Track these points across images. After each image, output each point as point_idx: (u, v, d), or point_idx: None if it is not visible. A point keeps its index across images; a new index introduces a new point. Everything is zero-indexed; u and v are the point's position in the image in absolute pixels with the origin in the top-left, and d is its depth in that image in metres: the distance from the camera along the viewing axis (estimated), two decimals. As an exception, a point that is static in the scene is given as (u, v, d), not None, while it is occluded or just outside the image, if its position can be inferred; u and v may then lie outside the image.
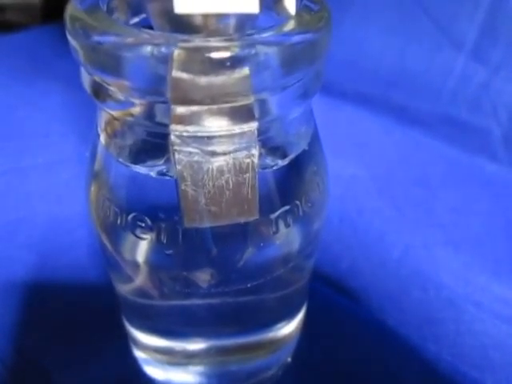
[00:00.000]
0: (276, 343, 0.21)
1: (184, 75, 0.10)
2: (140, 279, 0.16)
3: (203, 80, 0.10)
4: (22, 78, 0.43)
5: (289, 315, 0.21)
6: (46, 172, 0.34)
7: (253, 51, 0.10)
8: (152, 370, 0.22)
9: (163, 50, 0.10)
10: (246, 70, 0.10)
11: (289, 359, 0.24)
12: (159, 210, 0.14)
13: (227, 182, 0.12)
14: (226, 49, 0.10)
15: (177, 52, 0.10)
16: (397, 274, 0.29)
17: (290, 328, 0.21)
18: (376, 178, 0.36)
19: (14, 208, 0.31)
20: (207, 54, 0.10)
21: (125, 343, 0.22)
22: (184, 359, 0.21)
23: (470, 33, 0.37)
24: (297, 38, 0.11)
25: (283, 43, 0.11)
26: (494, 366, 0.25)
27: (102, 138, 0.14)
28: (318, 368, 0.24)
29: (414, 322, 0.27)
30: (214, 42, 0.10)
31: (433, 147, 0.39)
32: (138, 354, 0.22)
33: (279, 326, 0.21)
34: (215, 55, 0.10)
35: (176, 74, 0.10)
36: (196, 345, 0.20)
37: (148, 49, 0.10)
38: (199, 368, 0.21)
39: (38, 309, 0.26)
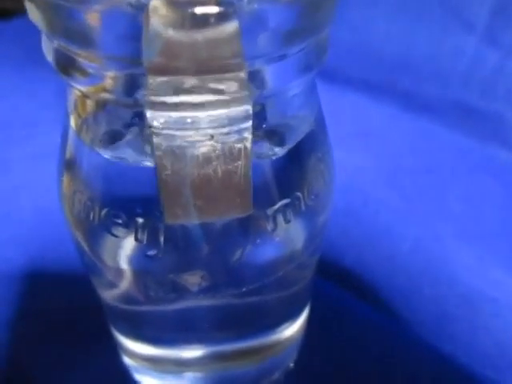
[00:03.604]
0: (278, 346, 0.20)
1: (163, 34, 0.08)
2: (122, 284, 0.14)
3: (186, 40, 0.08)
4: (15, 65, 0.42)
5: (291, 317, 0.19)
6: (34, 163, 0.32)
7: (245, 6, 0.08)
8: (143, 378, 0.20)
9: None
10: (235, 26, 0.08)
11: (292, 363, 0.22)
12: (137, 205, 0.12)
13: (215, 171, 0.10)
14: (212, 2, 0.08)
15: (154, 5, 0.08)
16: (406, 270, 0.28)
17: (292, 330, 0.20)
18: (383, 167, 0.34)
19: (-1, 201, 0.30)
20: (191, 9, 0.08)
21: (114, 348, 0.21)
22: (178, 367, 0.19)
23: (481, 14, 0.35)
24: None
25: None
26: (512, 365, 0.24)
27: (73, 122, 0.12)
28: (323, 371, 0.23)
29: (426, 321, 0.26)
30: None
31: (442, 135, 0.37)
32: (128, 361, 0.20)
33: (281, 328, 0.19)
34: (200, 10, 0.08)
35: (153, 32, 0.08)
36: (190, 352, 0.18)
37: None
38: (195, 375, 0.20)
39: (22, 309, 0.24)
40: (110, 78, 0.10)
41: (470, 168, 0.35)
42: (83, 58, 0.10)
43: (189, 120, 0.10)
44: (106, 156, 0.12)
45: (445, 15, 0.36)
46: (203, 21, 0.08)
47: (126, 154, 0.12)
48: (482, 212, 0.32)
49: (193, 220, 0.11)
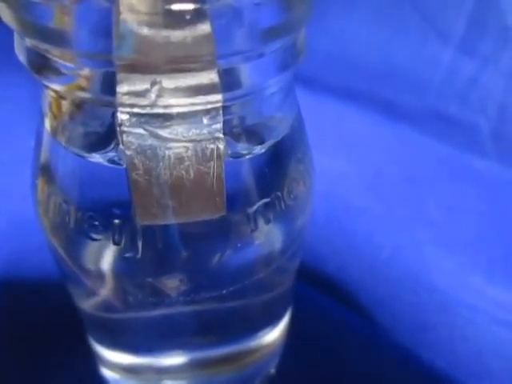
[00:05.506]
0: (259, 352, 0.20)
1: (135, 31, 0.08)
2: (99, 289, 0.14)
3: (159, 39, 0.08)
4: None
5: (272, 322, 0.19)
6: (9, 170, 0.31)
7: (221, 3, 0.08)
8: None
9: None
10: (208, 27, 0.08)
11: (273, 369, 0.22)
12: (115, 207, 0.12)
13: (187, 171, 0.10)
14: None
15: (128, 2, 0.08)
16: (386, 277, 0.28)
17: (273, 335, 0.20)
18: (363, 174, 0.34)
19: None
20: (166, 5, 0.08)
21: (91, 360, 0.20)
22: (158, 375, 0.19)
23: (457, 24, 0.36)
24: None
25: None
26: (490, 373, 0.24)
27: (47, 123, 0.12)
28: (304, 377, 0.23)
29: (406, 328, 0.26)
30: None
31: (422, 143, 0.37)
32: (106, 372, 0.19)
33: (262, 333, 0.19)
34: (177, 7, 0.08)
35: (125, 29, 0.08)
36: (171, 359, 0.18)
37: None
38: (176, 383, 0.19)
39: None
40: (85, 76, 0.10)
41: (449, 176, 0.35)
42: (57, 56, 0.10)
43: (160, 119, 0.10)
44: (82, 157, 0.11)
45: (422, 25, 0.37)
46: (179, 18, 0.08)
47: (102, 153, 0.11)
48: (461, 220, 0.32)
49: (165, 221, 0.11)
